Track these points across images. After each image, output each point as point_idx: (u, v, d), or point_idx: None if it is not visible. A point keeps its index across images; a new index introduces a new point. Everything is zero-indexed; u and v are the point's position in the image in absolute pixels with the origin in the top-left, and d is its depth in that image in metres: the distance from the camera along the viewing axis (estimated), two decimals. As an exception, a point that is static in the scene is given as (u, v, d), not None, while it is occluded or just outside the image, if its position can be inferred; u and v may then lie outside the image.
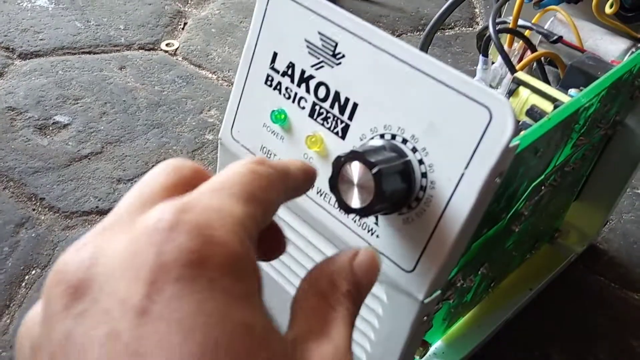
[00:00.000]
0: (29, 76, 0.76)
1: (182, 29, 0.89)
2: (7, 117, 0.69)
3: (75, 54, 0.81)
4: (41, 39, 0.83)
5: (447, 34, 0.92)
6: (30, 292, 0.52)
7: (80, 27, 0.86)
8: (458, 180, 0.27)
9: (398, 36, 0.91)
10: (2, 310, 0.50)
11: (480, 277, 0.45)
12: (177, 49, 0.85)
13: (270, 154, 0.35)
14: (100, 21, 0.88)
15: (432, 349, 0.49)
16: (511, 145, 0.26)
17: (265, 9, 0.34)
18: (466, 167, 0.27)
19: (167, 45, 0.85)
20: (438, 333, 0.49)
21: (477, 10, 0.97)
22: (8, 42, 0.81)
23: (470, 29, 0.93)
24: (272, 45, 0.34)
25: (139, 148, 0.68)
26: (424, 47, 0.52)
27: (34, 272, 0.53)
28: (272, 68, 0.34)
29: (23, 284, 0.52)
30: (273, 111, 0.34)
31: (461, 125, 0.27)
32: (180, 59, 0.83)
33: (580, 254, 0.58)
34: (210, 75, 0.80)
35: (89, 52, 0.82)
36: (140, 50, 0.84)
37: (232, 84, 0.76)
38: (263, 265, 0.37)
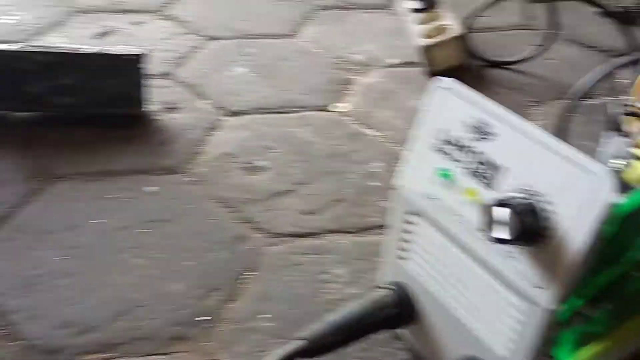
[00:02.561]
0: (237, 130, 0.99)
1: (350, 94, 1.10)
2: (224, 160, 0.92)
3: (268, 113, 1.04)
4: (243, 101, 1.07)
5: (589, 102, 1.06)
6: (248, 286, 0.73)
7: (270, 92, 1.09)
8: (574, 224, 0.44)
9: (541, 104, 1.07)
10: (228, 299, 0.71)
11: (607, 311, 0.56)
12: (346, 111, 1.05)
13: (434, 199, 0.53)
14: (285, 87, 1.11)
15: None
16: (613, 202, 0.42)
17: (433, 97, 0.53)
18: (579, 215, 0.43)
19: (338, 107, 1.06)
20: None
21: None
22: (219, 103, 1.06)
23: (613, 98, 1.07)
24: (438, 121, 0.53)
25: (319, 189, 0.88)
26: (568, 115, 0.65)
27: (251, 274, 0.74)
28: (439, 138, 0.52)
29: (243, 281, 0.73)
30: (439, 169, 0.52)
31: (576, 186, 0.44)
32: (349, 119, 1.04)
33: None
34: (373, 133, 1.00)
35: (278, 112, 1.05)
36: (317, 111, 1.05)
37: (392, 142, 0.96)
38: (426, 283, 0.54)
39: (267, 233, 0.80)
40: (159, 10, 1.33)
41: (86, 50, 0.95)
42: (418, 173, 0.54)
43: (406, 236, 0.57)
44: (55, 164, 0.88)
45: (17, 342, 0.64)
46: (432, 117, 0.52)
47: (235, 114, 1.03)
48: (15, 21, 1.25)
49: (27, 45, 0.97)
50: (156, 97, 1.02)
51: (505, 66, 1.19)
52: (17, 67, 0.93)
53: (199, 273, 0.74)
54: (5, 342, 0.64)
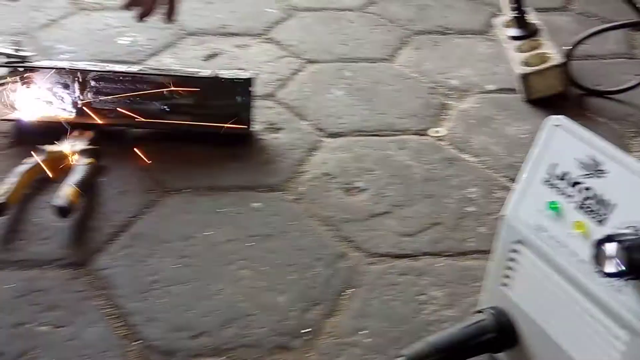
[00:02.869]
0: (336, 151, 1.03)
1: (447, 118, 1.12)
2: (324, 180, 0.96)
3: (366, 135, 1.08)
4: (342, 123, 1.11)
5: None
6: (348, 302, 0.76)
7: (368, 115, 1.13)
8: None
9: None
10: (329, 314, 0.74)
11: None
12: (443, 135, 1.08)
13: (544, 230, 0.55)
14: (383, 110, 1.14)
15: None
16: None
17: (546, 133, 0.55)
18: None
19: (434, 132, 1.09)
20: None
21: None
22: (319, 124, 1.10)
23: None
24: (550, 157, 0.54)
25: (417, 212, 0.91)
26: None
27: (351, 290, 0.77)
28: (550, 173, 0.54)
29: (343, 297, 0.77)
30: (549, 202, 0.54)
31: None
32: (445, 143, 1.06)
33: None
34: (470, 158, 1.01)
35: (376, 135, 1.08)
36: (414, 135, 1.08)
37: (489, 168, 0.97)
38: (528, 310, 0.55)
39: (366, 252, 0.83)
40: (262, 34, 1.40)
41: (200, 73, 1.02)
42: (527, 204, 0.56)
43: (510, 264, 0.59)
44: (169, 178, 0.95)
45: (136, 343, 0.69)
46: (543, 152, 0.54)
47: (334, 135, 1.07)
48: (129, 42, 1.34)
49: (147, 68, 1.05)
50: (260, 117, 1.08)
51: (606, 95, 1.18)
52: (138, 88, 1.01)
53: (301, 287, 0.77)
54: (126, 342, 0.69)
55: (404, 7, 1.55)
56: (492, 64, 1.30)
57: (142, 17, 0.96)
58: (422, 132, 1.09)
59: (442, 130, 1.09)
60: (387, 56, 1.33)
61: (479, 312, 0.63)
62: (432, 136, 1.08)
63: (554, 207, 0.53)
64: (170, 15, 0.97)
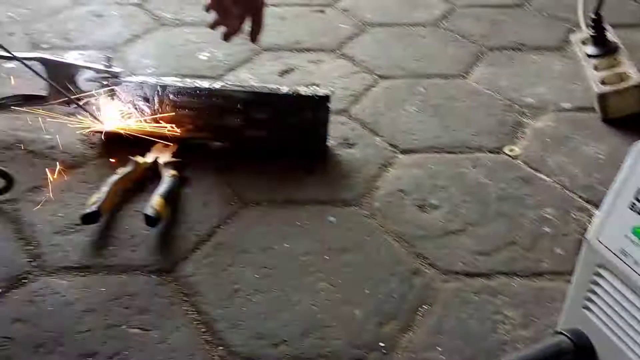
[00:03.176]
0: (410, 167, 1.05)
1: (522, 137, 1.12)
2: (398, 196, 0.98)
3: (439, 152, 1.09)
4: (415, 139, 1.12)
5: None
6: (422, 318, 0.77)
7: (442, 132, 1.14)
8: None
9: None
10: (404, 329, 0.76)
11: None
12: (517, 154, 1.07)
13: (628, 255, 0.55)
14: (457, 127, 1.15)
15: None
16: None
17: (633, 158, 0.55)
18: None
19: (509, 150, 1.09)
20: None
21: None
22: (392, 140, 1.12)
23: None
24: (637, 182, 0.54)
25: (491, 231, 0.91)
26: None
27: (425, 307, 0.79)
28: (636, 198, 0.54)
29: (418, 313, 0.78)
30: (635, 227, 0.54)
31: None
32: (520, 162, 1.06)
33: None
34: (546, 178, 1.01)
35: (450, 152, 1.09)
36: (488, 153, 1.08)
37: (567, 188, 0.96)
38: (609, 334, 0.55)
39: (441, 270, 0.84)
40: (335, 50, 1.43)
41: (280, 90, 1.05)
42: (611, 228, 0.56)
43: (592, 287, 0.59)
44: (248, 190, 0.98)
45: (220, 349, 0.73)
46: (630, 176, 0.54)
47: (408, 151, 1.09)
48: (206, 58, 1.39)
49: (229, 84, 1.09)
50: (334, 132, 1.10)
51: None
52: (218, 103, 1.05)
53: (376, 301, 0.79)
54: (211, 347, 0.73)
55: (476, 23, 1.56)
56: (569, 81, 1.29)
57: (227, 36, 1.01)
58: (496, 150, 1.09)
59: (517, 149, 1.09)
60: (460, 72, 1.34)
61: (558, 333, 0.64)
62: (506, 154, 1.08)
63: (639, 232, 0.53)
64: (255, 35, 1.01)
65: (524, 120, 1.17)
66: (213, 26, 1.03)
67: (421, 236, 0.90)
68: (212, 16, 1.03)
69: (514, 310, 0.78)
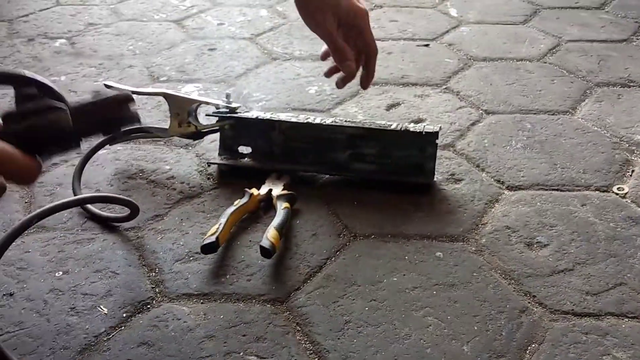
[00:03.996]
0: (516, 204, 1.06)
1: (630, 175, 1.10)
2: (505, 233, 0.99)
3: (547, 189, 1.09)
4: (522, 176, 1.13)
5: None
6: (531, 357, 0.78)
7: (549, 169, 1.14)
8: None
9: None
10: (512, 366, 0.77)
11: None
12: (626, 193, 1.06)
13: None
14: (564, 165, 1.15)
15: None
16: None
17: None
18: None
19: (618, 189, 1.07)
20: None
21: None
22: (498, 176, 1.13)
23: None
24: None
25: (600, 270, 0.91)
26: None
27: (534, 345, 0.80)
28: None
29: (527, 352, 0.79)
30: None
31: None
32: (629, 201, 1.04)
33: None
34: (659, 219, 0.99)
35: (557, 190, 1.09)
36: (596, 191, 1.07)
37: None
38: None
39: (549, 309, 0.85)
40: (440, 84, 1.46)
41: (389, 127, 1.09)
42: None
43: None
44: (356, 223, 1.02)
45: (333, 377, 0.76)
46: None
47: (514, 188, 1.10)
48: (315, 91, 1.45)
49: (339, 120, 1.14)
50: (440, 167, 1.13)
51: None
52: (329, 137, 1.11)
53: (485, 338, 0.81)
54: (324, 375, 0.77)
55: (584, 58, 1.54)
56: (682, 118, 1.26)
57: (344, 83, 1.06)
58: (604, 189, 1.08)
59: (625, 187, 1.07)
60: (568, 108, 1.33)
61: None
62: (615, 193, 1.06)
63: None
64: (367, 83, 1.06)
65: (632, 158, 1.15)
66: (328, 74, 1.09)
67: (529, 274, 0.91)
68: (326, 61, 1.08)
69: (624, 352, 0.78)
